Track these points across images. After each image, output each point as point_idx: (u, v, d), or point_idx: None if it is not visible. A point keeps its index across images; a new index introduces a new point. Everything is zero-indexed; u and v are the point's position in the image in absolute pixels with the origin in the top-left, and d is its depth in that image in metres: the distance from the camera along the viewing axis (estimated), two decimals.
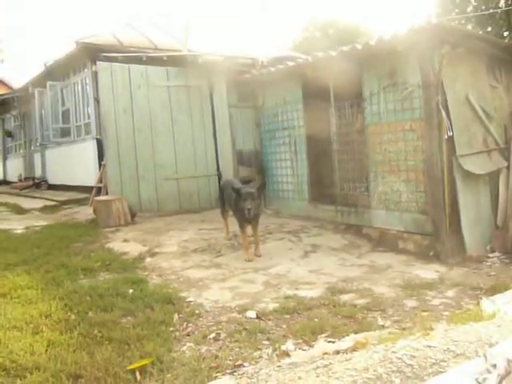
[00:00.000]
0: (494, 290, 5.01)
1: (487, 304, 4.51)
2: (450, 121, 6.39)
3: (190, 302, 4.89)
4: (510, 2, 15.41)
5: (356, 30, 20.07)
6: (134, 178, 9.07)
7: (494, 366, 2.09)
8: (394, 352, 2.70)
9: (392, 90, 7.02)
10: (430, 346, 2.68)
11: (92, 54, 11.34)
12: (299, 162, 8.99)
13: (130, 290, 5.08)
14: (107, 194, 10.29)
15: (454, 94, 6.55)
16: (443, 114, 6.36)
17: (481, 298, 4.80)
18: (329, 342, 3.88)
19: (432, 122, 6.41)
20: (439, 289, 5.19)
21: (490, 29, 15.82)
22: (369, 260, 6.45)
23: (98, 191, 10.87)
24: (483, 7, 15.52)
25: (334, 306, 4.67)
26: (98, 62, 8.97)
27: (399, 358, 2.60)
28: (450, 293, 5.09)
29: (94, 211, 8.55)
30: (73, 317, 4.39)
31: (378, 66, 7.11)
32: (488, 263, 6.31)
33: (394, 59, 6.84)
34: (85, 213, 9.91)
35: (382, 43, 6.72)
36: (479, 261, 6.36)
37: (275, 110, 9.43)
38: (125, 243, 7.17)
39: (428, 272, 5.86)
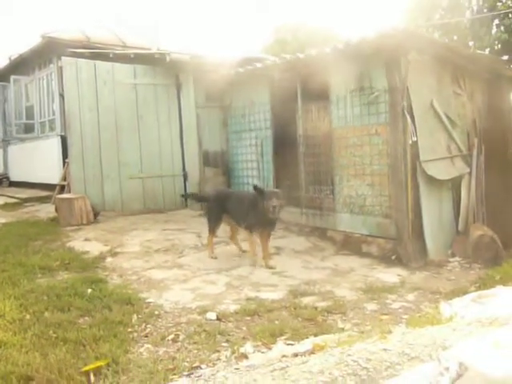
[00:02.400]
0: (453, 294, 5.08)
1: (445, 308, 4.56)
2: (415, 126, 6.46)
3: (150, 302, 4.81)
4: (474, 13, 15.77)
5: (325, 34, 20.19)
6: (98, 176, 8.92)
7: (447, 369, 2.10)
8: (349, 355, 2.69)
9: (358, 95, 7.07)
10: (385, 350, 2.67)
11: (58, 49, 11.09)
12: (265, 164, 8.97)
13: (89, 290, 4.97)
14: (70, 191, 10.11)
15: (419, 100, 6.63)
16: (408, 119, 6.42)
17: (439, 302, 4.86)
18: (287, 344, 3.85)
19: (397, 126, 6.47)
20: (400, 292, 5.24)
21: (455, 37, 16.17)
22: (332, 263, 6.47)
23: (62, 189, 10.66)
24: (449, 16, 15.83)
25: (295, 309, 4.66)
26: (63, 58, 8.78)
27: (355, 361, 2.59)
28: (411, 296, 5.14)
29: (56, 209, 8.37)
30: (28, 317, 4.28)
31: (345, 69, 7.10)
32: (449, 268, 6.39)
33: (361, 64, 6.88)
34: (47, 211, 9.69)
35: (350, 47, 6.75)
36: (440, 265, 6.45)
37: (242, 110, 9.39)
38: (86, 242, 7.03)
39: (390, 276, 5.90)
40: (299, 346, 3.68)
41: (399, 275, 5.95)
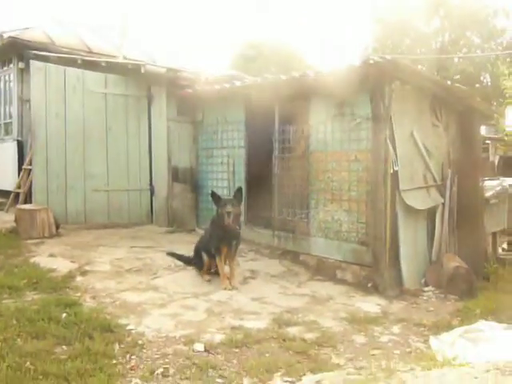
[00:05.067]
0: (437, 328, 5.09)
1: (435, 343, 4.55)
2: (396, 155, 6.49)
3: (131, 330, 4.56)
4: (438, 46, 16.32)
5: (290, 52, 20.31)
6: (62, 187, 8.48)
7: None
8: None
9: (340, 120, 7.04)
10: None
11: (19, 50, 10.60)
12: (236, 183, 8.78)
13: (64, 314, 4.63)
14: (26, 200, 9.60)
15: (401, 130, 6.68)
16: (390, 147, 6.45)
17: (426, 336, 4.85)
18: (285, 381, 3.71)
19: (379, 155, 6.47)
20: (384, 324, 5.19)
21: (422, 67, 16.62)
22: (309, 289, 6.37)
23: (16, 197, 10.11)
24: (417, 45, 16.28)
25: (284, 340, 4.53)
26: (31, 61, 8.35)
27: None
28: (396, 329, 5.09)
29: (16, 220, 7.87)
30: None
31: (327, 95, 7.09)
32: (424, 297, 6.41)
33: (344, 90, 6.83)
34: (1, 220, 9.13)
35: (335, 74, 6.74)
36: (416, 295, 6.46)
37: (215, 127, 9.23)
38: (51, 258, 6.62)
39: (369, 305, 5.86)
40: None
41: (379, 304, 5.91)
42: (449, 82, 7.61)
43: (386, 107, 6.45)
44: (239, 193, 6.37)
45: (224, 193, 8.97)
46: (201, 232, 8.72)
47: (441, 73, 15.42)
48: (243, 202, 7.79)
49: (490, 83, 17.63)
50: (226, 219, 5.99)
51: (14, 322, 4.40)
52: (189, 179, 9.62)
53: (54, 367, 3.60)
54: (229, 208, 5.99)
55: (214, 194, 6.33)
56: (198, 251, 6.54)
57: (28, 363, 3.65)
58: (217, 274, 6.27)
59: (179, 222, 9.39)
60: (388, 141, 6.45)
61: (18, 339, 4.07)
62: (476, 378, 2.77)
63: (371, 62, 6.24)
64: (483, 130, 13.52)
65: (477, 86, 16.69)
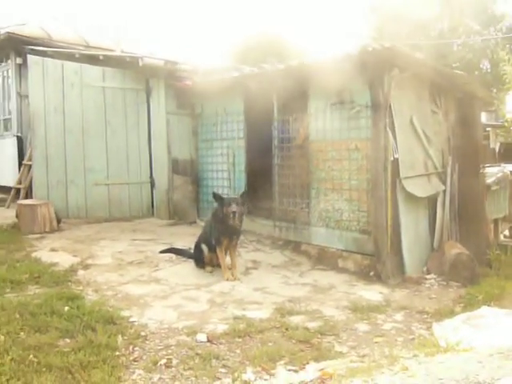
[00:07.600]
0: (439, 315, 5.08)
1: (438, 330, 4.54)
2: (396, 143, 6.47)
3: (134, 322, 4.56)
4: (437, 33, 16.22)
5: (289, 45, 20.16)
6: (62, 182, 8.48)
7: None
8: None
9: (339, 108, 7.02)
10: None
11: (17, 45, 10.57)
12: (237, 174, 8.80)
13: (66, 308, 4.63)
14: (27, 196, 9.61)
15: (401, 117, 6.64)
16: (390, 135, 6.42)
17: (429, 323, 4.85)
18: (289, 370, 3.71)
19: (379, 142, 6.44)
20: (387, 312, 5.18)
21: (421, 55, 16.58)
22: (311, 279, 6.37)
23: (17, 192, 10.11)
24: (415, 33, 16.21)
25: (287, 329, 4.52)
26: (28, 56, 8.32)
27: None
28: (398, 316, 5.09)
29: (17, 216, 7.88)
30: (2, 338, 3.92)
31: (325, 82, 7.01)
32: (426, 285, 6.41)
33: (343, 78, 6.77)
34: (2, 216, 9.13)
35: (333, 61, 6.69)
36: (418, 282, 6.45)
37: (214, 119, 9.19)
38: (53, 253, 6.62)
39: (372, 293, 5.85)
40: (304, 374, 3.54)
41: (381, 293, 5.90)
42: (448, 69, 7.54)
43: (385, 95, 6.42)
44: (243, 196, 6.37)
45: (224, 184, 9.01)
46: (202, 224, 8.71)
47: (440, 60, 15.36)
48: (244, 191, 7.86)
49: (489, 70, 17.59)
50: (230, 219, 5.95)
51: (17, 316, 4.39)
52: (189, 171, 9.60)
53: (58, 360, 3.60)
54: (234, 207, 5.93)
55: (215, 195, 6.30)
56: (198, 246, 6.49)
57: (31, 356, 3.64)
58: (218, 266, 6.27)
59: (180, 215, 9.39)
60: (388, 128, 6.42)
61: (21, 333, 4.07)
62: (480, 362, 2.77)
63: (370, 49, 6.21)
64: (484, 117, 13.46)
65: (476, 72, 16.65)
